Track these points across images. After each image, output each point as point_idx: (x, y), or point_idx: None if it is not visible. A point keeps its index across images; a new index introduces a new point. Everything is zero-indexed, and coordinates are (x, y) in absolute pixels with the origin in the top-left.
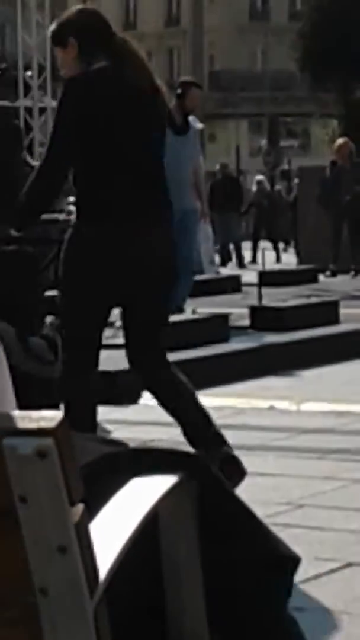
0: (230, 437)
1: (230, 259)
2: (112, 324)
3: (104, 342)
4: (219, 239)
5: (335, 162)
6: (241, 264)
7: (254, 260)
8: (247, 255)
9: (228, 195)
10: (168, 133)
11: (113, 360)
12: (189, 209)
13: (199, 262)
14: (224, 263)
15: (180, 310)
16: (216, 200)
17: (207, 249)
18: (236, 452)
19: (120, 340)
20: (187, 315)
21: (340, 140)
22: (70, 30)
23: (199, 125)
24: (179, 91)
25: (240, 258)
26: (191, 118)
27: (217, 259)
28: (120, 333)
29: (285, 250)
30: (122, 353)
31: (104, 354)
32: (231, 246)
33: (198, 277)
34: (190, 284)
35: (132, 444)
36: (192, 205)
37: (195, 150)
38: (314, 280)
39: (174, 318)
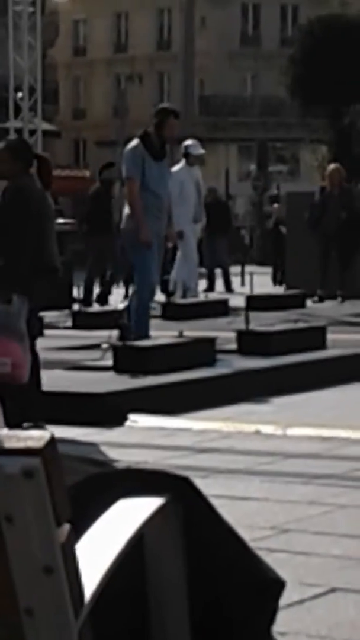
0: (216, 460)
1: (213, 283)
2: (99, 346)
3: (92, 364)
4: (206, 263)
5: (324, 187)
6: (228, 288)
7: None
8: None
9: (216, 219)
10: (149, 160)
11: (99, 382)
12: (164, 235)
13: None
14: (211, 287)
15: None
16: (205, 225)
17: (179, 272)
18: (221, 476)
19: (108, 362)
20: (173, 338)
21: (332, 166)
22: None
23: (201, 151)
24: (156, 120)
25: (227, 282)
26: (194, 142)
27: (203, 282)
28: (108, 355)
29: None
30: (108, 375)
31: (90, 376)
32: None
33: (186, 301)
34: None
35: (118, 466)
36: (165, 231)
37: (169, 174)
38: (302, 305)
39: (160, 341)
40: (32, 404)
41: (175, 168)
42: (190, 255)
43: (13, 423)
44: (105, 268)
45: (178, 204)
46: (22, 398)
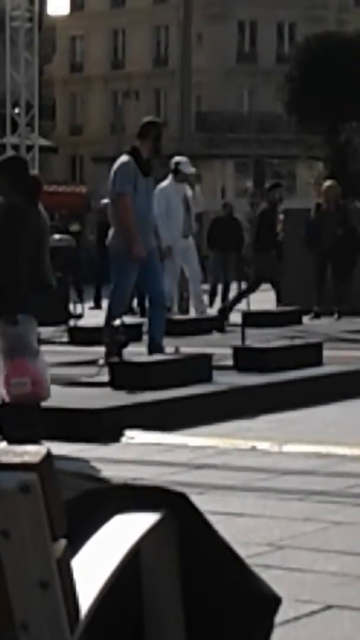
0: (212, 477)
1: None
2: (95, 362)
3: (87, 380)
4: (212, 278)
5: (320, 204)
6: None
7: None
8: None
9: (230, 235)
10: (139, 176)
11: (95, 398)
12: (154, 247)
13: (171, 298)
14: (211, 303)
15: (161, 349)
16: (216, 239)
17: (195, 289)
18: (217, 492)
19: (103, 378)
20: (170, 354)
21: (327, 183)
22: None
23: (192, 170)
24: (153, 133)
25: (226, 298)
26: (184, 160)
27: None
28: (104, 371)
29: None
30: (104, 391)
31: (86, 392)
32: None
33: (182, 317)
34: (164, 319)
35: (114, 482)
36: (155, 243)
37: (153, 190)
38: (298, 321)
39: (156, 357)
40: (34, 421)
41: (163, 184)
42: (173, 271)
43: (13, 438)
44: (269, 280)
45: (164, 219)
46: (25, 415)
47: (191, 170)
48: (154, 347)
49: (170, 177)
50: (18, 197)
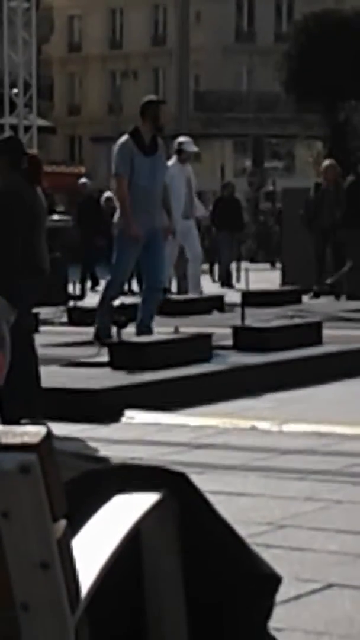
0: (212, 456)
1: (231, 277)
2: (92, 343)
3: (87, 360)
4: (224, 258)
5: (319, 184)
6: (224, 283)
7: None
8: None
9: (232, 215)
10: (139, 155)
11: (94, 378)
12: (160, 227)
13: (169, 279)
14: (229, 282)
15: (150, 331)
16: (221, 220)
17: (194, 270)
18: (218, 472)
19: (103, 358)
20: (169, 334)
21: (327, 162)
22: None
23: (195, 148)
24: (152, 113)
25: (229, 277)
26: (188, 140)
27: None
28: (104, 351)
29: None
30: (103, 371)
31: (85, 372)
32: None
33: (182, 297)
34: (157, 302)
35: (114, 462)
36: (161, 224)
37: (164, 169)
38: (298, 301)
39: (156, 337)
40: (33, 401)
41: (167, 164)
42: (172, 251)
43: (13, 419)
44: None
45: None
46: (23, 395)
47: (194, 148)
48: (142, 328)
49: (174, 158)
50: (16, 178)
